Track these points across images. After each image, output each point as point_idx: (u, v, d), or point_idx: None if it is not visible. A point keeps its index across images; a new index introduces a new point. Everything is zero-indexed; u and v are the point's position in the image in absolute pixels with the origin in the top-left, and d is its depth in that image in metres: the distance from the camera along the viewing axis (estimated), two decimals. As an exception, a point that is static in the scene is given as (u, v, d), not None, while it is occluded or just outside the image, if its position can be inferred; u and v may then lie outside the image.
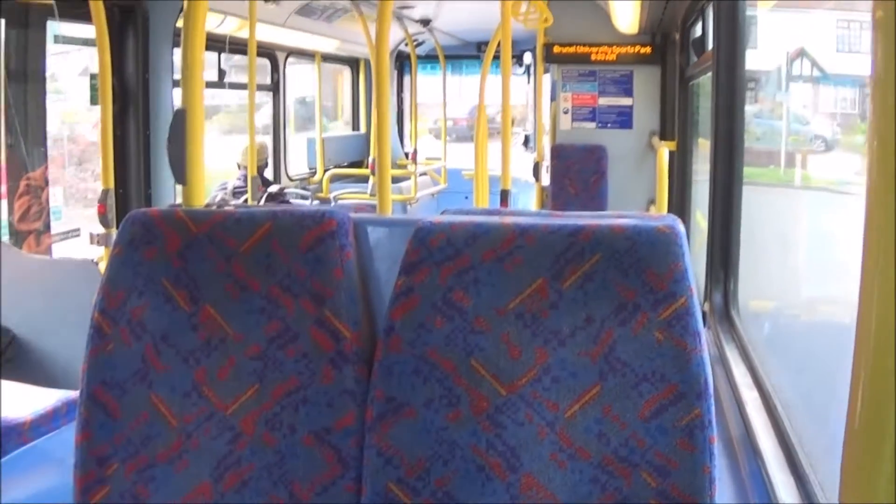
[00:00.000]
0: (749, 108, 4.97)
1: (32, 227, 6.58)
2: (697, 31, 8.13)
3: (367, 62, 14.10)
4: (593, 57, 10.17)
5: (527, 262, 2.16)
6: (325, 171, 12.54)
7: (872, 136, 1.21)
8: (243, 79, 10.05)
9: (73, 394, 4.05)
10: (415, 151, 13.94)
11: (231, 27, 8.97)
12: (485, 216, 2.30)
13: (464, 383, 2.15)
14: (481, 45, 14.63)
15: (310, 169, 12.92)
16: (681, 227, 2.16)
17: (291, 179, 12.05)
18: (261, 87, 10.84)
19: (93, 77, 6.79)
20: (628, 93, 10.26)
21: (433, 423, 2.16)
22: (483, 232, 2.20)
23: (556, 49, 10.21)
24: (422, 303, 2.19)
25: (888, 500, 1.23)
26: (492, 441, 2.14)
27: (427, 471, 2.16)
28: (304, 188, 11.97)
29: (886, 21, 1.18)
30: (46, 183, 6.68)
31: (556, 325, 2.13)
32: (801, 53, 3.97)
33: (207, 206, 3.10)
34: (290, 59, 11.83)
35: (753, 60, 4.94)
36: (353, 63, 14.49)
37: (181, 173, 3.08)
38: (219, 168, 10.67)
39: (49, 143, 6.78)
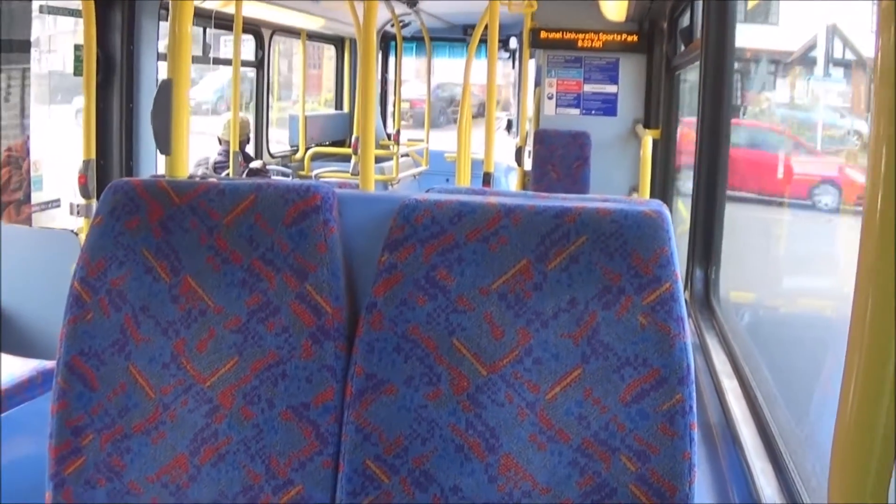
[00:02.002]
0: (771, 97, 4.90)
1: (13, 198, 6.55)
2: (685, 20, 8.13)
3: (353, 42, 14.11)
4: (580, 43, 10.16)
5: (511, 243, 2.15)
6: (307, 149, 12.54)
7: (875, 129, 1.20)
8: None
9: (49, 363, 4.04)
10: (397, 132, 13.95)
11: (217, 2, 8.95)
12: (470, 195, 2.29)
13: (444, 362, 2.14)
14: (467, 28, 14.64)
15: (291, 147, 12.92)
16: (667, 213, 2.16)
17: (273, 156, 12.05)
18: (245, 63, 10.83)
19: (77, 48, 6.76)
20: (614, 80, 10.26)
21: (413, 402, 2.16)
22: (468, 211, 2.19)
23: (543, 34, 10.19)
24: (405, 280, 2.18)
25: (877, 500, 1.23)
26: (471, 421, 2.13)
27: (405, 449, 2.15)
28: (285, 166, 11.98)
29: (893, 11, 1.17)
30: (27, 153, 6.65)
31: (539, 306, 2.12)
32: (833, 32, 3.72)
33: (190, 177, 3.09)
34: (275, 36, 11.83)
35: (774, 40, 4.83)
36: (338, 42, 14.48)
37: (166, 144, 3.07)
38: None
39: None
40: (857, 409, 1.24)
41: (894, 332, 1.19)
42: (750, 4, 5.25)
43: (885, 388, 1.21)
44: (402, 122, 15.17)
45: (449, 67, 18.64)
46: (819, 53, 3.98)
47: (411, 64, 17.45)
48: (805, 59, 4.45)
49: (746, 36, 5.18)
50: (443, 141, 14.74)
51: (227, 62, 9.71)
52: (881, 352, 1.20)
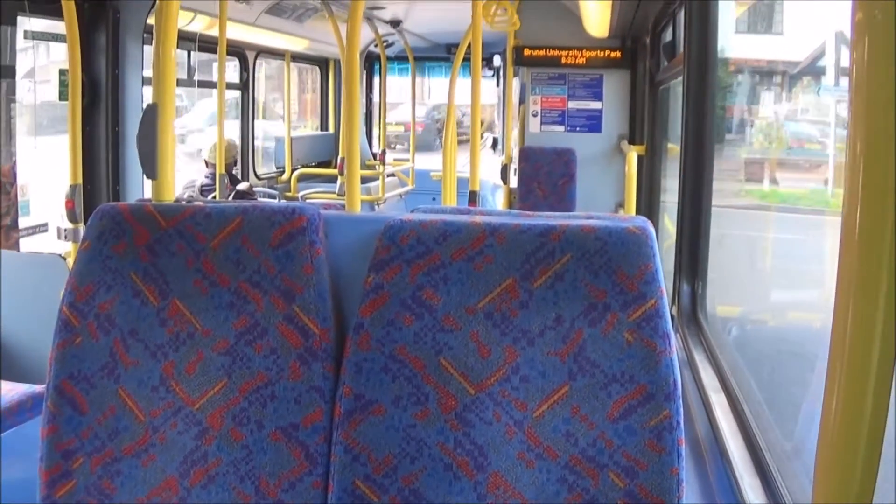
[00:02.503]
0: (778, 109, 4.85)
1: (1, 224, 6.54)
2: (668, 35, 8.14)
3: (337, 62, 14.12)
4: (563, 60, 10.16)
5: (497, 262, 2.16)
6: (293, 170, 12.54)
7: (852, 139, 1.21)
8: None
9: (39, 387, 4.04)
10: (383, 152, 13.94)
11: (201, 25, 8.96)
12: (455, 215, 2.30)
13: (432, 381, 2.15)
14: (451, 47, 14.66)
15: (277, 168, 12.92)
16: (651, 229, 2.17)
17: (259, 178, 12.05)
18: (230, 86, 10.83)
19: (62, 73, 6.76)
20: (598, 96, 10.26)
21: (401, 421, 2.16)
22: (454, 230, 2.20)
23: (527, 52, 10.20)
24: (391, 300, 2.19)
25: (861, 500, 1.24)
26: (459, 440, 2.14)
27: (394, 468, 2.16)
28: (271, 187, 11.97)
29: (866, 23, 1.19)
30: (15, 179, 6.65)
31: (525, 324, 2.13)
32: (841, 39, 3.59)
33: (177, 201, 3.10)
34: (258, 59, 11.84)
35: (779, 50, 4.78)
36: (322, 63, 14.49)
37: (152, 168, 3.07)
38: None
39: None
40: (841, 410, 1.25)
41: (877, 333, 1.21)
42: (738, 12, 5.25)
43: (868, 388, 1.22)
44: (398, 147, 15.11)
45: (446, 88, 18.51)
46: (828, 62, 3.89)
47: (404, 85, 17.35)
48: (813, 69, 4.38)
49: (748, 47, 5.13)
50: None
51: (211, 85, 9.70)
52: (864, 352, 1.22)
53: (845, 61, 3.55)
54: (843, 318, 1.24)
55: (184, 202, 2.55)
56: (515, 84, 11.15)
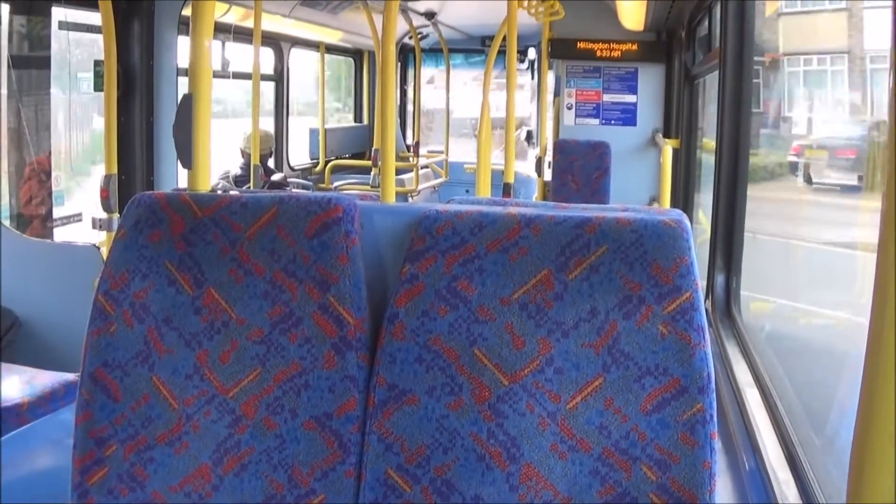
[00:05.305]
0: None
1: (37, 213, 6.58)
2: (703, 29, 8.12)
3: (371, 54, 14.11)
4: (598, 53, 10.15)
5: (532, 253, 2.15)
6: (327, 161, 12.54)
7: (893, 141, 1.20)
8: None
9: (72, 376, 4.07)
10: (416, 144, 13.92)
11: (236, 16, 8.98)
12: (490, 206, 2.30)
13: (466, 372, 2.15)
14: (485, 40, 14.63)
15: (311, 159, 12.93)
16: (687, 222, 2.16)
17: (293, 169, 12.06)
18: (264, 77, 10.85)
19: (97, 63, 6.79)
20: (633, 90, 10.24)
21: (434, 412, 2.16)
22: (489, 222, 2.19)
23: (561, 45, 10.19)
24: (426, 291, 2.19)
25: None
26: (493, 430, 2.13)
27: (427, 458, 2.16)
28: (305, 178, 11.98)
29: None
30: (50, 169, 6.69)
31: (560, 316, 2.12)
32: None
33: (212, 191, 3.11)
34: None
35: None
36: (356, 54, 14.50)
37: (188, 158, 3.08)
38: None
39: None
40: (877, 408, 1.24)
41: None
42: (769, 10, 5.23)
43: None
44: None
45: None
46: None
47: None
48: None
49: None
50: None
51: (246, 76, 9.73)
52: None
53: None
54: (881, 316, 1.23)
55: (219, 192, 2.55)
56: (550, 77, 11.13)
